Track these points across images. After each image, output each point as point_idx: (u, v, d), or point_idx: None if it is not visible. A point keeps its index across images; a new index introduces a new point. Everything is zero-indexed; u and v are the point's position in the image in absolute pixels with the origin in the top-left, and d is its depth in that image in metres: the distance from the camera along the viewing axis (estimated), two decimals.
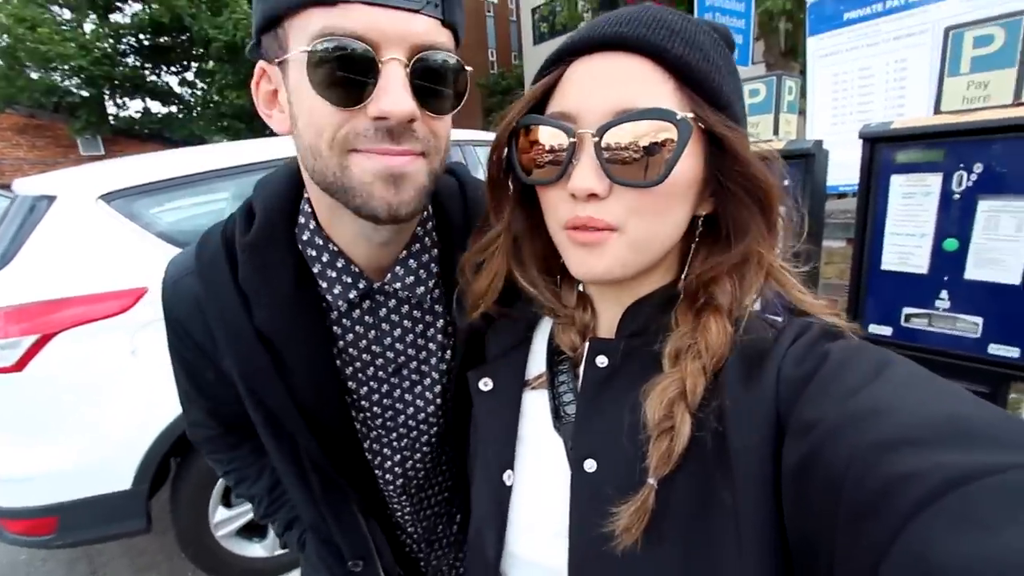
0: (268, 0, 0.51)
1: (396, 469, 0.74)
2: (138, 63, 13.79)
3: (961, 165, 1.36)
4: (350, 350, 0.68)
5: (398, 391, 0.71)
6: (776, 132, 1.88)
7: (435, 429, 0.73)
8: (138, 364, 1.82)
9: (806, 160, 1.67)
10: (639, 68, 0.45)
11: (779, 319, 0.49)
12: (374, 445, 0.73)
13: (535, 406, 0.58)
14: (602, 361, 0.53)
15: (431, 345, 0.70)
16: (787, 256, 0.51)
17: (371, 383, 0.70)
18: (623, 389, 0.50)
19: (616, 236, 0.47)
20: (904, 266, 1.52)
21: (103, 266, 1.85)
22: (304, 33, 0.49)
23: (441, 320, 0.70)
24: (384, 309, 0.68)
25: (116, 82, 13.00)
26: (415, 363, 0.71)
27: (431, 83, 0.53)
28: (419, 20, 0.51)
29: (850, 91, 3.00)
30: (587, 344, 0.55)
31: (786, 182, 0.51)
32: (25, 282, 1.75)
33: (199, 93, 14.77)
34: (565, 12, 11.28)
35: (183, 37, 13.50)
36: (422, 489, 0.78)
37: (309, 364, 0.65)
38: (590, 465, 0.50)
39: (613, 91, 0.45)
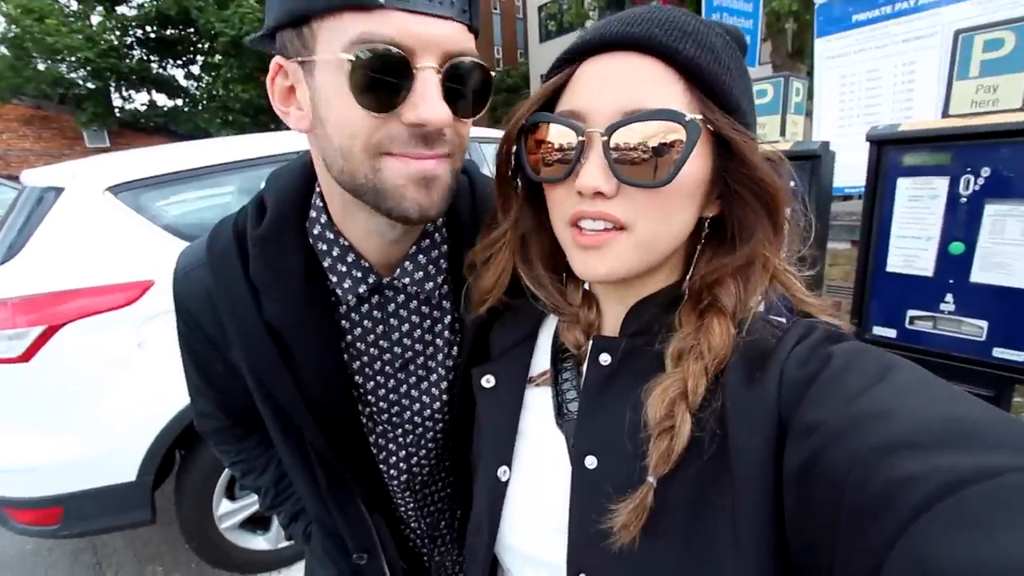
0: (288, 1, 0.50)
1: (401, 464, 0.75)
2: (144, 56, 13.81)
3: (968, 169, 1.36)
4: (358, 344, 0.69)
5: (405, 386, 0.71)
6: (783, 133, 1.88)
7: (440, 425, 0.73)
8: (144, 356, 1.83)
9: (812, 162, 1.67)
10: (649, 69, 0.45)
11: (783, 320, 0.50)
12: (380, 440, 0.73)
13: (538, 403, 0.58)
14: (605, 359, 0.53)
15: (438, 341, 0.71)
16: (792, 260, 0.52)
17: (378, 378, 0.70)
18: (626, 387, 0.50)
19: (623, 236, 0.47)
20: (909, 269, 1.51)
21: (110, 258, 1.85)
22: (338, 37, 0.49)
23: (449, 316, 0.70)
24: (393, 304, 0.68)
25: (122, 74, 13.02)
26: (422, 358, 0.71)
27: (461, 89, 0.54)
28: (450, 26, 0.51)
29: (857, 93, 2.98)
30: (591, 342, 0.55)
31: (792, 183, 0.51)
32: (33, 273, 1.76)
33: (204, 86, 14.78)
34: (572, 10, 11.25)
35: (189, 30, 13.51)
36: (426, 485, 0.79)
37: (318, 358, 0.65)
38: (591, 462, 0.50)
39: (623, 91, 0.45)
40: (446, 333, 0.71)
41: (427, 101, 0.50)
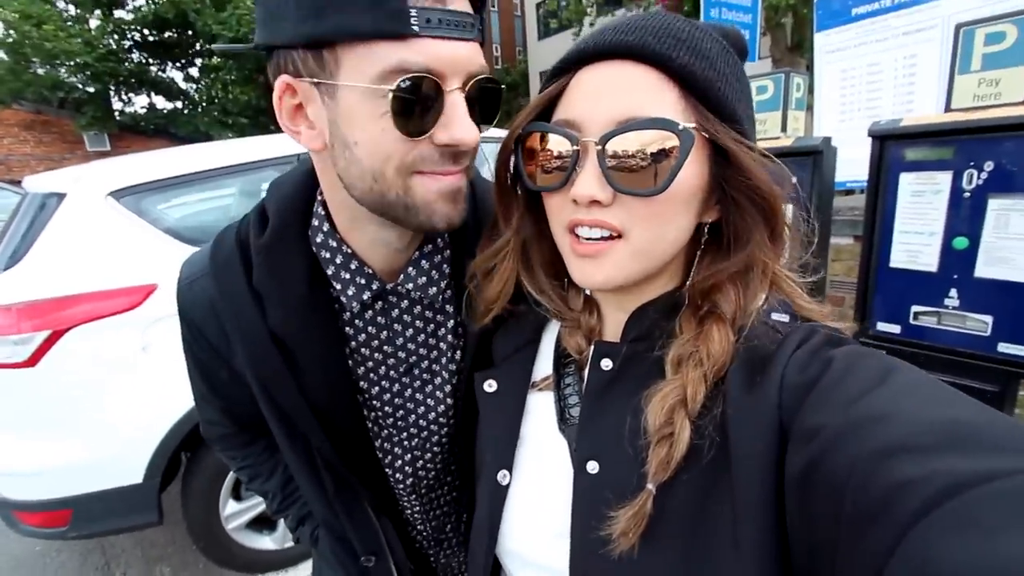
0: (317, 21, 0.48)
1: (407, 468, 0.75)
2: (143, 59, 13.81)
3: (971, 163, 1.36)
4: (362, 350, 0.69)
5: (409, 391, 0.72)
6: (784, 129, 1.87)
7: (445, 430, 0.74)
8: (149, 360, 1.84)
9: (814, 157, 1.67)
10: (643, 77, 0.45)
11: (786, 318, 0.50)
12: (385, 444, 0.74)
13: (540, 407, 0.59)
14: (606, 364, 0.54)
15: (442, 345, 0.71)
16: (793, 266, 0.51)
17: (383, 383, 0.71)
18: (626, 392, 0.50)
19: (620, 244, 0.47)
20: (913, 264, 1.51)
21: (113, 263, 1.86)
22: (369, 64, 0.49)
23: (452, 320, 0.71)
24: (396, 310, 0.68)
25: (121, 78, 13.02)
26: (426, 363, 0.71)
27: (482, 106, 0.56)
28: (471, 47, 0.52)
29: (858, 87, 2.97)
30: (592, 347, 0.56)
31: (794, 180, 0.51)
32: (37, 279, 1.77)
33: (203, 88, 14.78)
34: (570, 7, 11.20)
35: (187, 33, 13.50)
36: (431, 489, 0.79)
37: (322, 364, 0.66)
38: (593, 467, 0.50)
39: (617, 100, 0.45)
40: (449, 337, 0.71)
41: (458, 122, 0.52)
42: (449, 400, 0.72)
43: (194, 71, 14.84)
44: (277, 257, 0.63)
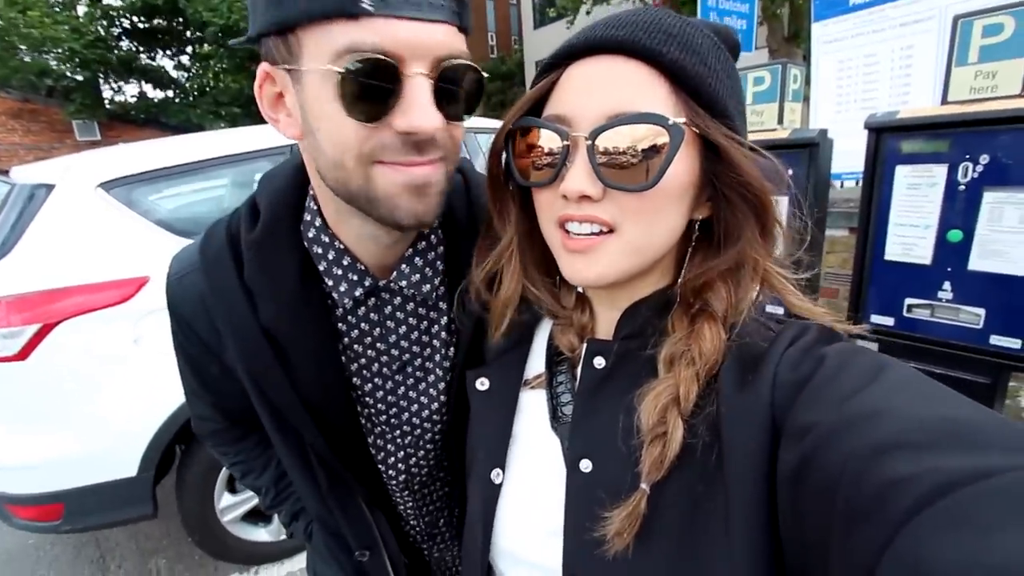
0: (279, 5, 0.48)
1: (399, 465, 0.75)
2: (132, 46, 13.59)
3: (967, 156, 1.36)
4: (355, 347, 0.68)
5: (402, 388, 0.71)
6: (781, 121, 1.86)
7: (438, 427, 0.73)
8: (141, 352, 1.83)
9: (810, 149, 1.66)
10: (634, 72, 0.45)
11: (776, 321, 0.50)
12: (378, 441, 0.73)
13: (532, 405, 0.58)
14: (599, 362, 0.53)
15: (435, 342, 0.71)
16: (786, 263, 0.51)
17: (376, 380, 0.70)
18: (619, 391, 0.50)
19: (611, 239, 0.47)
20: (908, 257, 1.52)
21: (104, 255, 1.84)
22: (324, 46, 0.48)
23: (445, 317, 0.70)
24: (389, 307, 0.68)
25: (110, 66, 12.82)
26: (419, 360, 0.71)
27: (453, 92, 0.52)
28: (440, 29, 0.50)
29: (855, 78, 2.96)
30: (585, 345, 0.55)
31: (790, 171, 0.51)
32: (26, 271, 1.75)
33: (194, 75, 14.58)
34: None
35: (177, 20, 13.29)
36: (424, 485, 0.79)
37: (315, 361, 0.65)
38: (586, 465, 0.50)
39: (607, 95, 0.45)
40: (443, 334, 0.70)
41: (417, 108, 0.49)
42: (442, 398, 0.72)
43: (185, 59, 14.63)
44: (268, 252, 0.62)
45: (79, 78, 12.45)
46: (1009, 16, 1.30)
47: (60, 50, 11.49)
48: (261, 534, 2.25)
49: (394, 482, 0.76)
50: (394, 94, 0.49)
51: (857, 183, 2.80)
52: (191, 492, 2.06)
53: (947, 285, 1.45)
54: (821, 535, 0.34)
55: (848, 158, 2.62)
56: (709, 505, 0.43)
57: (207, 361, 0.71)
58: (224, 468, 2.06)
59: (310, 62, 0.49)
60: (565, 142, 0.46)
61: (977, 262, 1.39)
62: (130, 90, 14.67)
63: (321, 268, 0.64)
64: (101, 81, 13.34)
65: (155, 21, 13.31)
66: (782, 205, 0.51)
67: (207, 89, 14.10)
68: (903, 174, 1.49)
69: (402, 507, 0.80)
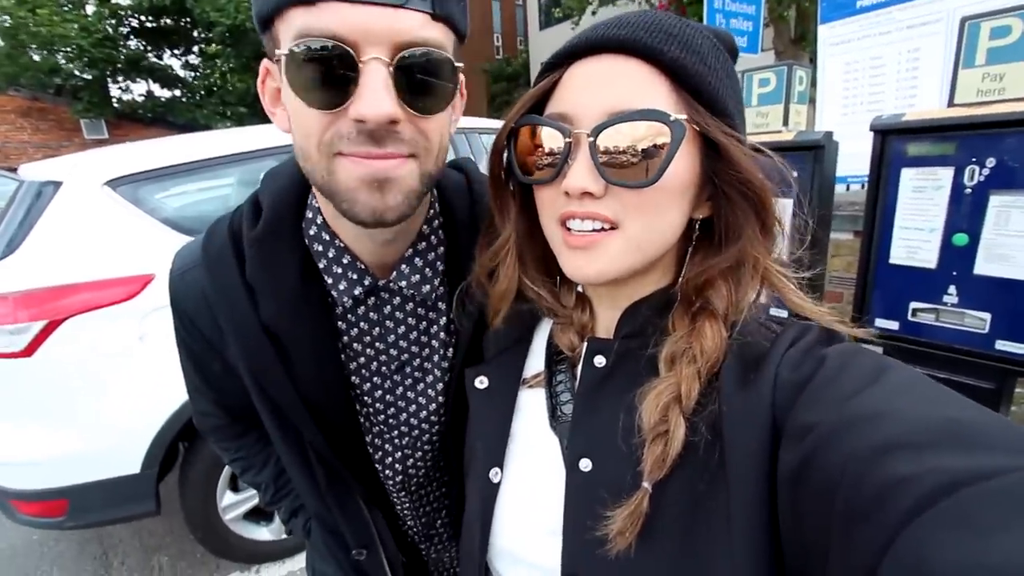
0: (259, 1, 0.50)
1: (397, 466, 0.75)
2: (140, 45, 13.70)
3: (973, 159, 1.35)
4: (355, 345, 0.68)
5: (401, 388, 0.71)
6: (786, 123, 1.85)
7: (436, 428, 0.73)
8: (146, 350, 1.84)
9: (815, 152, 1.65)
10: (635, 70, 0.45)
11: (778, 321, 0.50)
12: (376, 440, 0.73)
13: (531, 404, 0.59)
14: (600, 361, 0.53)
15: (434, 342, 0.71)
16: (787, 261, 0.51)
17: (374, 379, 0.70)
18: (619, 390, 0.50)
19: (614, 236, 0.47)
20: (912, 260, 1.51)
21: (110, 252, 1.85)
22: (287, 34, 0.48)
23: (444, 318, 0.70)
24: (389, 307, 0.68)
25: (118, 65, 12.93)
26: (418, 360, 0.71)
27: (417, 82, 0.50)
28: (404, 16, 0.48)
29: (861, 81, 2.95)
30: (586, 344, 0.55)
31: (795, 174, 0.51)
32: (33, 268, 1.76)
33: (202, 75, 14.68)
34: None
35: (185, 19, 13.39)
36: (421, 486, 0.79)
37: (315, 359, 0.65)
38: (585, 464, 0.50)
39: (608, 92, 0.45)
40: (442, 335, 0.70)
41: (368, 94, 0.47)
42: (440, 398, 0.72)
43: (192, 59, 14.73)
44: (270, 250, 0.62)
45: (87, 77, 12.57)
46: (1017, 18, 1.29)
47: (69, 48, 11.59)
48: (263, 533, 2.26)
49: (391, 482, 0.76)
50: (352, 81, 0.48)
51: (863, 186, 2.78)
52: (194, 490, 2.07)
53: (952, 289, 1.44)
54: (821, 535, 0.34)
55: (854, 161, 2.61)
56: (711, 504, 0.43)
57: (209, 358, 0.71)
58: (227, 466, 2.08)
59: (280, 52, 0.50)
60: (567, 139, 0.46)
61: (983, 266, 1.37)
62: (137, 89, 14.84)
63: (321, 266, 0.64)
64: (109, 80, 13.44)
65: (163, 20, 13.42)
66: (786, 206, 0.51)
67: (214, 89, 14.19)
68: (908, 177, 1.48)
69: (399, 507, 0.80)
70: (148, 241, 1.90)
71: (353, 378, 0.70)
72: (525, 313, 0.60)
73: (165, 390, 1.87)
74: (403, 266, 0.65)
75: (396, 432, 0.73)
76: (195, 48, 14.50)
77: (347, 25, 0.46)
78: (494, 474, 0.57)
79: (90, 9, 12.49)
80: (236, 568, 2.26)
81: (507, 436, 0.58)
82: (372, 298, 0.67)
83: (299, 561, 2.29)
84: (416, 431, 0.73)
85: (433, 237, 0.67)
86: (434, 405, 0.72)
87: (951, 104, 1.44)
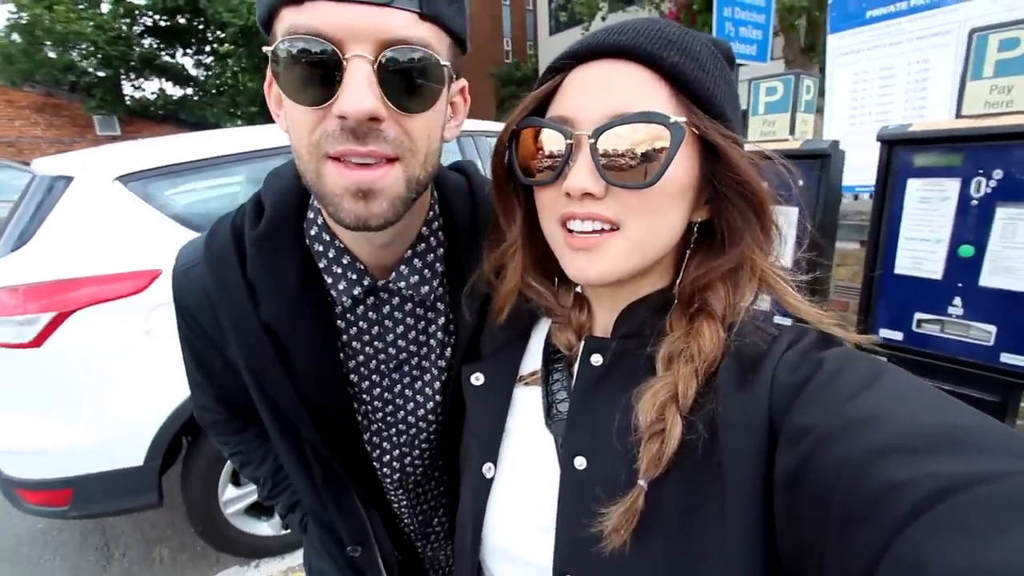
0: (259, 5, 0.52)
1: (394, 464, 0.76)
2: (154, 44, 13.85)
3: (980, 171, 1.34)
4: (353, 344, 0.69)
5: (398, 387, 0.72)
6: (792, 131, 1.85)
7: (434, 427, 0.74)
8: (152, 344, 1.86)
9: (822, 161, 1.65)
10: (636, 75, 0.46)
11: (776, 325, 0.50)
12: (374, 439, 0.74)
13: (527, 402, 0.59)
14: (597, 360, 0.54)
15: (432, 343, 0.71)
16: (789, 266, 0.52)
17: (373, 377, 0.71)
18: (616, 389, 0.51)
19: (615, 237, 0.48)
20: (918, 271, 1.50)
21: (119, 247, 1.88)
22: (278, 34, 0.50)
23: (443, 318, 0.70)
24: (388, 307, 0.68)
25: (132, 63, 13.07)
26: (416, 360, 0.71)
27: (401, 80, 0.50)
28: (390, 14, 0.48)
29: (870, 91, 2.94)
30: (583, 342, 0.56)
31: (800, 183, 0.51)
32: (43, 261, 1.78)
33: (214, 75, 14.81)
34: (582, 2, 11.12)
35: (198, 19, 13.53)
36: (419, 485, 0.79)
37: (314, 358, 0.66)
38: (580, 463, 0.51)
39: (609, 96, 0.46)
40: (440, 335, 0.71)
41: (348, 91, 0.48)
42: (438, 397, 0.72)
43: (204, 58, 14.87)
44: (271, 249, 0.63)
45: (101, 74, 12.73)
46: None
47: (84, 46, 11.74)
48: (263, 528, 2.27)
49: (388, 480, 0.77)
50: (337, 79, 0.48)
51: (871, 196, 2.77)
52: (196, 483, 2.08)
53: (957, 301, 1.43)
54: (817, 538, 0.34)
55: (862, 171, 2.60)
56: (706, 504, 0.43)
57: (210, 354, 0.72)
58: (228, 462, 2.09)
59: (268, 49, 0.51)
60: (568, 141, 0.47)
61: (988, 278, 1.37)
62: (150, 87, 14.97)
63: (321, 266, 0.65)
64: (122, 78, 13.60)
65: (176, 20, 13.56)
66: (792, 215, 0.51)
67: (225, 88, 14.32)
68: (915, 187, 1.47)
69: (396, 505, 0.81)
70: (157, 237, 1.92)
71: (351, 376, 0.70)
72: (523, 312, 0.61)
73: (170, 384, 1.88)
74: (402, 267, 0.66)
75: (394, 430, 0.74)
76: (207, 48, 14.64)
77: (332, 23, 0.47)
78: (487, 469, 0.57)
79: (105, 7, 12.65)
80: (236, 562, 2.27)
81: (501, 432, 0.59)
82: (371, 298, 0.68)
83: (298, 557, 2.29)
84: (414, 429, 0.74)
85: (432, 239, 0.68)
86: (431, 404, 0.72)
87: (959, 115, 1.43)
